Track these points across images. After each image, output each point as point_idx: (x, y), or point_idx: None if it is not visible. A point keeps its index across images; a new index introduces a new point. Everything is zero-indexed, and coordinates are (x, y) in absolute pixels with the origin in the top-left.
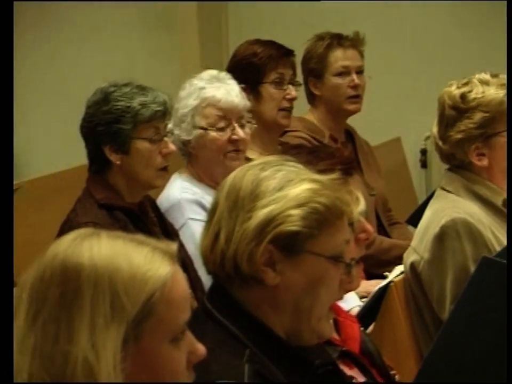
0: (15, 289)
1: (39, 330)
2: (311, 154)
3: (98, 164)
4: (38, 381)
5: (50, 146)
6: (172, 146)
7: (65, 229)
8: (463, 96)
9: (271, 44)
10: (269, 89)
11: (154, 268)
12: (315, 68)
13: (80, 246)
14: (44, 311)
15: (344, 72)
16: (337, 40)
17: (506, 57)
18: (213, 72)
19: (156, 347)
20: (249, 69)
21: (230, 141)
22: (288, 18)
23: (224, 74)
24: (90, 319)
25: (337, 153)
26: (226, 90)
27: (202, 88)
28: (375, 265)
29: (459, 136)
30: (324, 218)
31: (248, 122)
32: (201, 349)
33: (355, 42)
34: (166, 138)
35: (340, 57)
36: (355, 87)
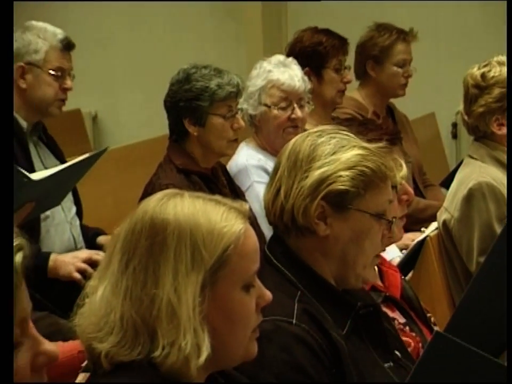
0: (110, 239)
1: (130, 275)
2: (362, 126)
3: (178, 134)
4: (128, 320)
5: (136, 118)
6: (242, 122)
7: (148, 189)
8: (483, 76)
9: (332, 34)
10: (330, 74)
11: (229, 224)
12: (377, 55)
13: (166, 205)
14: (134, 259)
15: (403, 63)
16: (403, 35)
17: (506, 57)
18: (281, 57)
19: (229, 292)
20: (314, 55)
21: (290, 119)
22: (336, 9)
23: (290, 60)
24: (174, 267)
25: (384, 125)
26: (290, 75)
27: (270, 71)
28: (412, 223)
29: (481, 110)
30: (370, 180)
31: (307, 102)
32: (268, 294)
33: (413, 38)
34: (237, 115)
35: (402, 51)
36: (408, 77)
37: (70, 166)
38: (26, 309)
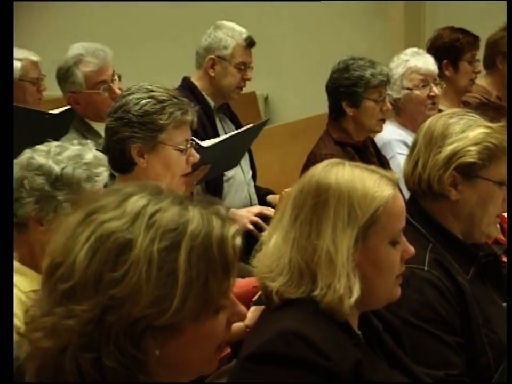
0: (279, 198)
1: (297, 228)
2: (495, 111)
3: (336, 113)
4: (294, 264)
5: (300, 99)
6: (389, 105)
7: (310, 158)
8: None
9: (466, 32)
10: (465, 65)
11: (380, 190)
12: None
13: (330, 171)
14: (301, 215)
15: None
16: None
17: (506, 57)
18: (414, 49)
19: (378, 246)
20: (452, 49)
21: (429, 97)
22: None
23: (422, 51)
24: (333, 223)
25: None
26: (425, 61)
27: (408, 60)
28: None
29: None
30: (493, 153)
31: (438, 83)
32: (411, 249)
33: None
34: (385, 99)
35: None
36: None
37: (234, 135)
38: (235, 278)
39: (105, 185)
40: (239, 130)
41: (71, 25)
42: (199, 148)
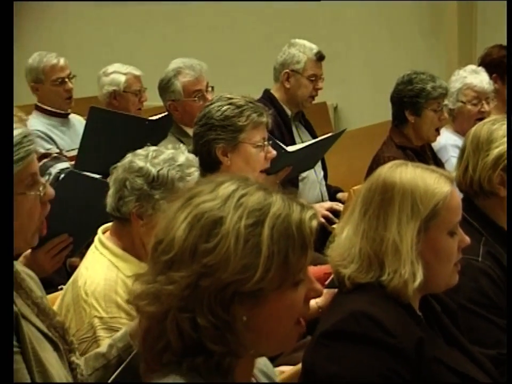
0: (348, 195)
1: (366, 221)
2: None
3: (398, 121)
4: (364, 253)
5: (366, 108)
6: (446, 115)
7: (375, 160)
8: None
9: None
10: None
11: (440, 186)
12: None
13: (394, 171)
14: (370, 210)
15: None
16: None
17: (506, 56)
18: (473, 66)
19: (438, 237)
20: (501, 64)
21: (479, 112)
22: None
23: (480, 69)
24: (398, 217)
25: None
26: (480, 80)
27: (465, 77)
28: None
29: None
30: None
31: (492, 99)
32: (467, 239)
33: None
34: (444, 110)
35: None
36: None
37: (315, 142)
38: (312, 256)
39: None
40: (319, 138)
41: (175, 47)
42: (284, 152)
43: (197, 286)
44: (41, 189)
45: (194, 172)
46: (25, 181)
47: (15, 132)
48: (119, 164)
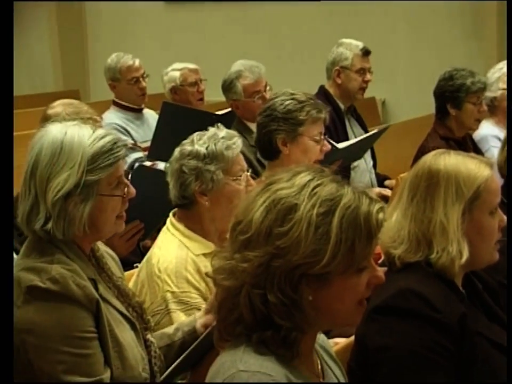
0: (395, 182)
1: (414, 205)
2: None
3: (441, 114)
4: (412, 234)
5: (411, 102)
6: (485, 107)
7: (420, 150)
8: None
9: None
10: None
11: (480, 171)
12: None
13: (438, 158)
14: (417, 195)
15: None
16: None
17: (506, 56)
18: (505, 61)
19: (481, 217)
20: None
21: None
22: None
23: None
24: (444, 200)
25: None
26: None
27: (501, 68)
28: None
29: None
30: None
31: None
32: (505, 219)
33: None
34: (483, 103)
35: None
36: None
37: (363, 139)
38: (377, 246)
39: (256, 172)
40: (366, 135)
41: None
42: (335, 149)
43: (269, 265)
44: (125, 190)
45: (237, 140)
46: (112, 184)
47: (106, 139)
48: (171, 159)
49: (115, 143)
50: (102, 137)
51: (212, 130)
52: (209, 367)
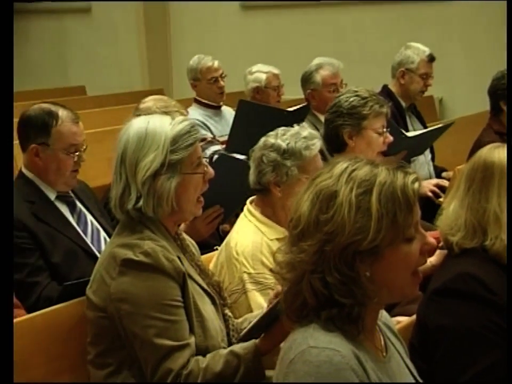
0: (453, 174)
1: (470, 196)
2: None
3: (495, 110)
4: (469, 223)
5: (468, 100)
6: None
7: (476, 144)
8: None
9: None
10: None
11: None
12: None
13: (493, 152)
14: (473, 185)
15: None
16: None
17: (506, 57)
18: None
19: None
20: None
21: None
22: None
23: None
24: (498, 190)
25: None
26: None
27: None
28: None
29: None
30: None
31: None
32: None
33: None
34: None
35: None
36: None
37: (430, 130)
38: (419, 214)
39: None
40: (433, 127)
41: (310, 48)
42: (404, 137)
43: (323, 251)
44: (205, 169)
45: (317, 142)
46: (194, 163)
47: (184, 123)
48: (255, 146)
49: (192, 126)
50: (181, 122)
51: (296, 128)
52: (275, 336)
